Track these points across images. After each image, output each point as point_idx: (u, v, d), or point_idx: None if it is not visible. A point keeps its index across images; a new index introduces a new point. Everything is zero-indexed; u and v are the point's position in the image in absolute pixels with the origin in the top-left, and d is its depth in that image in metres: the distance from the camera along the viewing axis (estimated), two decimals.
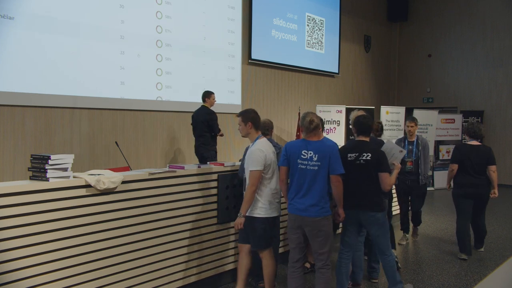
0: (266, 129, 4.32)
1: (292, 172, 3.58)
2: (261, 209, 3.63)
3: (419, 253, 5.57)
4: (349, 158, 3.78)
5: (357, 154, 3.79)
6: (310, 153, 3.52)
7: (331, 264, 3.69)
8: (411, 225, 6.15)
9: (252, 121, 3.71)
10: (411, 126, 5.76)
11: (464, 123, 11.55)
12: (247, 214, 3.62)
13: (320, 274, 3.57)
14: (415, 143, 5.72)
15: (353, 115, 4.27)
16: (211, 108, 6.59)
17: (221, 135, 6.76)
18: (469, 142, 5.36)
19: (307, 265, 4.66)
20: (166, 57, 7.10)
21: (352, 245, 3.93)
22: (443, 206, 8.65)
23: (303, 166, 3.52)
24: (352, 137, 4.59)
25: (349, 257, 3.93)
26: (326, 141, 3.63)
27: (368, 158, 3.75)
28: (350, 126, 4.44)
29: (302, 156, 3.53)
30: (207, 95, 6.61)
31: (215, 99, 6.68)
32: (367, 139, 3.91)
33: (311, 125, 3.55)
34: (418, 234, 6.25)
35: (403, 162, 5.08)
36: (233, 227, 3.51)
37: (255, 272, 4.15)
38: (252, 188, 3.55)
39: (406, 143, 5.77)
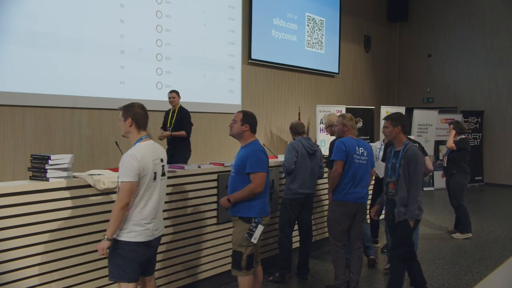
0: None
1: (348, 166, 4.05)
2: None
3: (418, 253, 5.56)
4: None
5: None
6: (361, 149, 4.12)
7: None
8: None
9: (133, 117, 2.89)
10: (385, 127, 3.94)
11: (464, 123, 11.56)
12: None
13: (358, 253, 4.21)
14: (400, 154, 3.79)
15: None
16: (174, 107, 6.35)
17: (166, 137, 6.24)
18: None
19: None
20: (166, 57, 7.10)
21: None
22: (443, 206, 8.65)
23: (357, 161, 4.07)
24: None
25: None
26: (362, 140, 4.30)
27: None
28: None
29: (356, 152, 4.08)
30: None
31: (170, 98, 6.31)
32: None
33: (357, 125, 4.31)
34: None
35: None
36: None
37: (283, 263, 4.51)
38: (119, 204, 2.71)
39: (392, 152, 3.94)
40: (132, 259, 2.79)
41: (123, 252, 2.77)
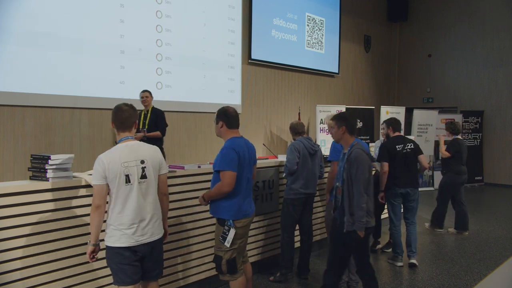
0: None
1: None
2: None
3: (418, 253, 5.57)
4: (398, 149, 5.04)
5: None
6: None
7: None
8: None
9: (113, 119, 2.91)
10: (330, 127, 3.91)
11: (464, 123, 11.56)
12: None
13: None
14: (345, 157, 3.54)
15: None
16: (147, 107, 6.13)
17: (140, 138, 5.65)
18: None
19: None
20: (166, 57, 7.10)
21: None
22: None
23: None
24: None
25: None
26: None
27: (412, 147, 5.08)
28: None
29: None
30: None
31: (143, 97, 6.08)
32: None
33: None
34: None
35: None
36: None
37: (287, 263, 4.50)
38: (91, 207, 2.74)
39: (341, 155, 3.76)
40: (119, 263, 2.76)
41: (111, 257, 2.79)
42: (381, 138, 5.82)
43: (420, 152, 5.19)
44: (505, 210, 8.47)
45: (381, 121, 9.68)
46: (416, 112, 10.54)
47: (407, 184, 5.05)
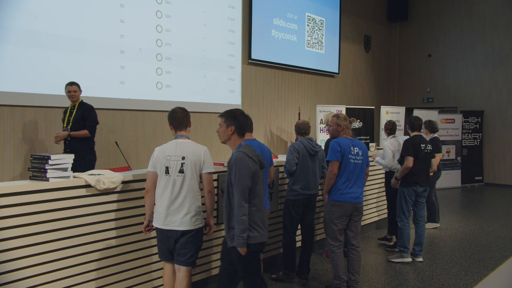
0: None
1: (344, 166, 4.07)
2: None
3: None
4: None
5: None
6: (356, 149, 4.14)
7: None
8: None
9: (169, 121, 3.44)
10: (219, 125, 3.44)
11: (464, 123, 11.57)
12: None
13: (356, 253, 4.21)
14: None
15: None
16: (74, 102, 5.26)
17: (63, 138, 5.12)
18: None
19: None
20: (166, 57, 7.09)
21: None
22: (443, 206, 8.64)
23: (352, 161, 4.09)
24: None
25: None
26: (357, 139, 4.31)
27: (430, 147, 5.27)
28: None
29: (352, 151, 4.09)
30: None
31: (71, 91, 5.22)
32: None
33: (351, 125, 4.33)
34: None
35: None
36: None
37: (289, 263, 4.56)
38: (144, 191, 3.32)
39: None
40: (158, 240, 3.31)
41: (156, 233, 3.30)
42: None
43: (433, 155, 5.52)
44: (505, 210, 8.47)
45: (381, 121, 9.73)
46: (416, 112, 10.53)
47: (425, 183, 5.28)
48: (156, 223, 3.22)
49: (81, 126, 5.14)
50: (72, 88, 5.20)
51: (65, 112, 5.30)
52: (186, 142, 3.28)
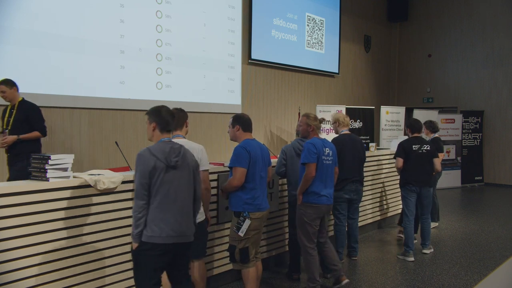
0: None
1: (319, 167, 3.99)
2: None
3: (418, 253, 5.57)
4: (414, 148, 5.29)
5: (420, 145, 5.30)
6: (327, 150, 4.09)
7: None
8: None
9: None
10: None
11: (464, 123, 11.57)
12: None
13: (328, 246, 4.26)
14: None
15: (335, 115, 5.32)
16: (13, 101, 4.75)
17: (10, 143, 4.59)
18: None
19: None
20: (166, 57, 7.09)
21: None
22: (443, 206, 8.64)
23: (325, 162, 4.05)
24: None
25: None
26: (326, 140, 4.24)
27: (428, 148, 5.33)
28: (331, 123, 5.40)
29: (324, 152, 4.05)
30: None
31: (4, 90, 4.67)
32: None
33: (321, 125, 4.27)
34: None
35: None
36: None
37: (290, 263, 4.62)
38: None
39: None
40: None
41: None
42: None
43: (435, 155, 5.49)
44: (505, 210, 8.47)
45: (381, 122, 9.73)
46: (416, 112, 10.53)
47: (419, 183, 5.33)
48: None
49: (25, 128, 4.62)
50: (1, 88, 4.62)
51: (4, 112, 4.76)
52: (183, 141, 3.34)
